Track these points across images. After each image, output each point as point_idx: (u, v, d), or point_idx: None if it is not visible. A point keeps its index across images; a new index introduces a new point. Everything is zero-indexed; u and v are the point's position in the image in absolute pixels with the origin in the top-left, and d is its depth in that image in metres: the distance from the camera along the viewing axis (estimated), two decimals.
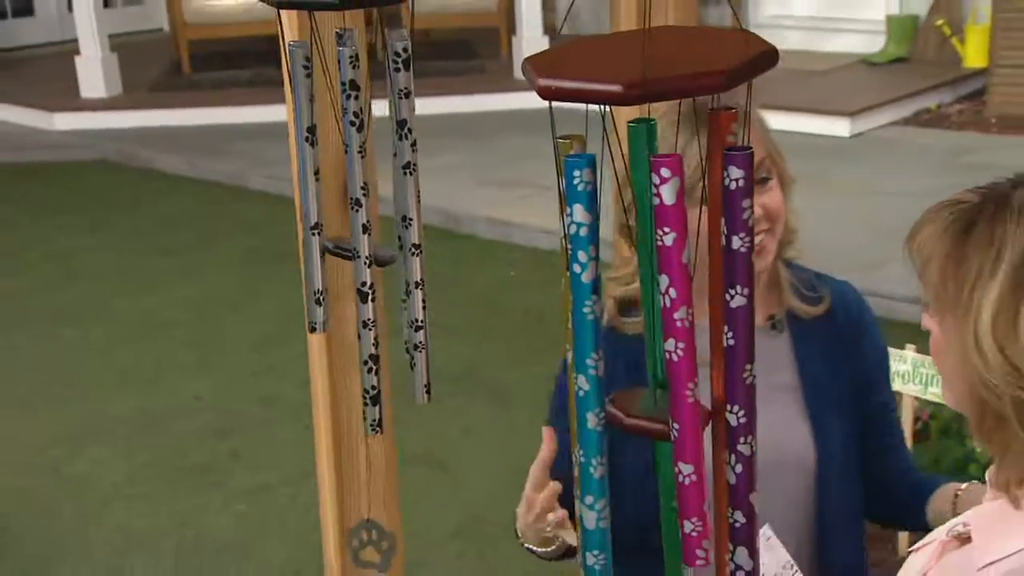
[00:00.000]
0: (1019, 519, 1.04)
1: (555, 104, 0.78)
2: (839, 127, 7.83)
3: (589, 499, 0.86)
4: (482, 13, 10.42)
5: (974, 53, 8.58)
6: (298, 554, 3.53)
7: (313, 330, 1.39)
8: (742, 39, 0.81)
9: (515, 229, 6.46)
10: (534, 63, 0.79)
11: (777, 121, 7.80)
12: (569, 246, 0.82)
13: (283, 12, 1.29)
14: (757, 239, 1.41)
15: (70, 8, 10.09)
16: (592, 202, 0.81)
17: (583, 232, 0.81)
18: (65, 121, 9.30)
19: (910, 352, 2.91)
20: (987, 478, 1.11)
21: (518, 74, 8.82)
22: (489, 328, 5.25)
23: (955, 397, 1.09)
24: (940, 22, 8.88)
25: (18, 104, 9.69)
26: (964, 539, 1.12)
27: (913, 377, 2.92)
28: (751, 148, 0.81)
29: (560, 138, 0.83)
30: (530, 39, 9.39)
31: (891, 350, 2.98)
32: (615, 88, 0.75)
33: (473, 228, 6.65)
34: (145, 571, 3.64)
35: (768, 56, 0.79)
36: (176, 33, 10.49)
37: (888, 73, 8.84)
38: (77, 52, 9.65)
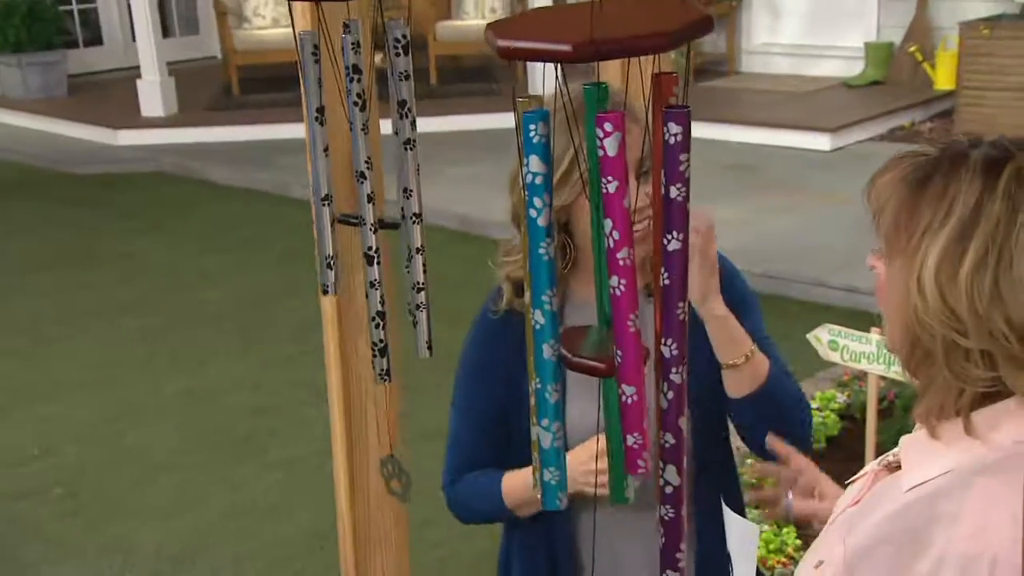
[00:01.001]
0: (937, 448, 1.04)
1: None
2: (821, 142, 7.81)
3: (545, 421, 0.86)
4: None
5: (944, 77, 8.52)
6: (324, 516, 3.50)
7: (326, 292, 1.40)
8: (683, 8, 0.81)
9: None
10: (495, 27, 0.80)
11: (766, 136, 7.72)
12: (526, 194, 0.82)
13: (294, 5, 1.31)
14: (641, 226, 1.39)
15: (134, 38, 10.15)
16: (546, 153, 0.81)
17: (538, 181, 0.82)
18: (127, 137, 9.35)
19: (875, 335, 2.89)
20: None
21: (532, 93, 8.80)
22: None
23: (892, 335, 1.07)
24: (913, 48, 8.84)
25: (87, 122, 9.75)
26: (894, 468, 1.11)
27: (878, 357, 2.90)
28: (688, 107, 0.81)
29: (519, 98, 0.84)
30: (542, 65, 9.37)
31: (858, 333, 2.96)
32: (566, 48, 0.75)
33: (485, 231, 6.65)
34: (192, 529, 3.67)
35: (704, 22, 0.79)
36: (227, 60, 10.54)
37: (866, 94, 8.80)
38: (139, 77, 9.72)
